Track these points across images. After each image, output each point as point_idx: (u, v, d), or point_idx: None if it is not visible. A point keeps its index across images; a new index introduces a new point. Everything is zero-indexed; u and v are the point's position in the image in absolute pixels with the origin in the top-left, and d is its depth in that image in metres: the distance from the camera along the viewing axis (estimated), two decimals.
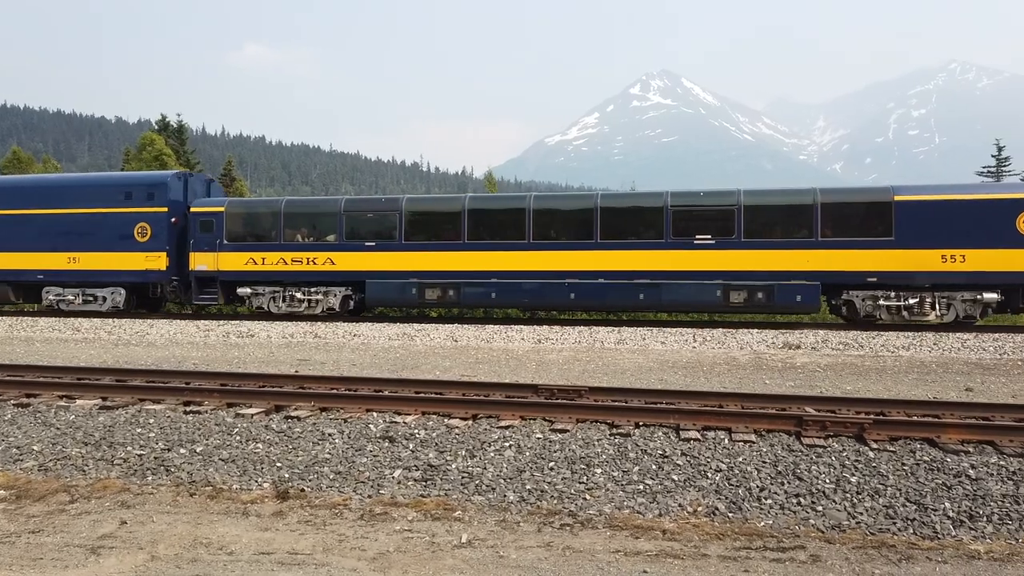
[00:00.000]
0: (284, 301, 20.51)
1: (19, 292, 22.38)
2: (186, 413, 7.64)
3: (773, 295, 17.53)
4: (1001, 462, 5.84)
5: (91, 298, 21.66)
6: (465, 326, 18.12)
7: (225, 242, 20.72)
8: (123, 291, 21.51)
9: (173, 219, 21.21)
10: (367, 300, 20.15)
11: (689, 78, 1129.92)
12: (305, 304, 20.41)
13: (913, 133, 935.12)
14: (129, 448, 6.66)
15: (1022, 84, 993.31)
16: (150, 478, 6.05)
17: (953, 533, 4.86)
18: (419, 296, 19.36)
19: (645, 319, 20.76)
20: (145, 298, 22.43)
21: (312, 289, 20.39)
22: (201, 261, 20.85)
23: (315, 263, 20.20)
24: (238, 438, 6.84)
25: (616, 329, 17.20)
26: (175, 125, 45.73)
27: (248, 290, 20.68)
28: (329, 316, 20.33)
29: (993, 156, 40.22)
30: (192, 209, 21.29)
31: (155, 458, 6.42)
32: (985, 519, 5.00)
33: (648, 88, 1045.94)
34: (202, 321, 19.56)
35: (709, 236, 17.98)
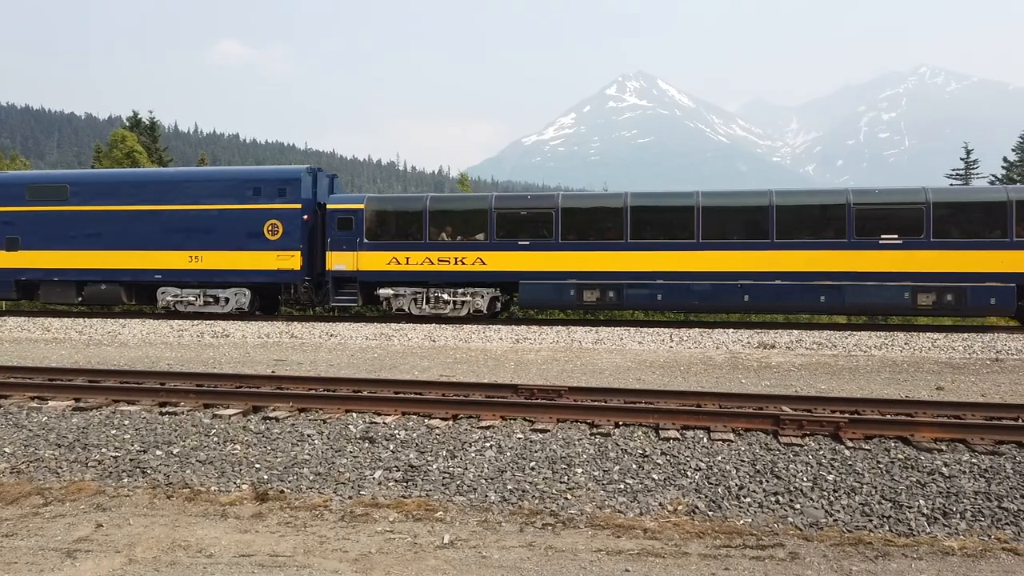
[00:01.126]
0: (428, 303, 19.61)
1: (131, 293, 21.25)
2: (162, 414, 7.54)
3: (965, 298, 16.91)
4: (973, 460, 5.96)
5: (212, 299, 20.66)
6: (443, 326, 18.08)
7: (365, 240, 19.68)
8: (248, 292, 20.49)
9: (305, 216, 20.21)
10: (520, 302, 19.49)
11: (665, 79, 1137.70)
12: (451, 306, 19.54)
13: (884, 136, 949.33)
14: (104, 450, 6.56)
15: (990, 89, 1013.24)
16: (126, 480, 5.96)
17: (928, 530, 4.96)
18: (577, 298, 18.64)
19: (621, 319, 20.83)
20: (269, 300, 21.43)
21: (459, 290, 19.54)
22: (339, 261, 19.79)
23: (463, 263, 19.29)
24: (215, 439, 6.77)
25: (593, 329, 17.27)
26: (147, 122, 45.00)
27: (390, 291, 19.73)
28: (472, 319, 19.46)
29: (962, 159, 40.89)
30: (329, 206, 20.28)
31: (131, 460, 6.33)
32: (958, 516, 5.10)
33: (624, 89, 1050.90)
34: (175, 321, 19.30)
35: (895, 236, 17.29)
